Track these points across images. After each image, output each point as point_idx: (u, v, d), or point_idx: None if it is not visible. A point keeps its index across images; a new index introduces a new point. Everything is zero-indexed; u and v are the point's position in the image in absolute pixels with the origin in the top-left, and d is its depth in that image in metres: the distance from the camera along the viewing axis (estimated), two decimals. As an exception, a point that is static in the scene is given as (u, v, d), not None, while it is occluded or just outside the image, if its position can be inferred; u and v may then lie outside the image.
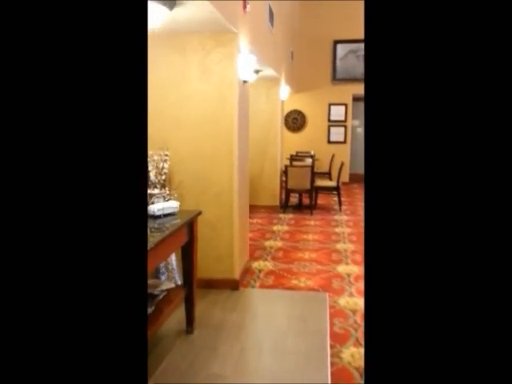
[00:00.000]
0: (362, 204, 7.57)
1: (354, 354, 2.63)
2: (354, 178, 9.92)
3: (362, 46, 9.50)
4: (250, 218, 6.15)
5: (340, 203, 7.07)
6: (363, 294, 3.26)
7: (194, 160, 3.61)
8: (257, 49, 4.40)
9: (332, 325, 3.02)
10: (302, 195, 7.18)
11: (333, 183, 7.15)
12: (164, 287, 2.80)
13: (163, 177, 3.06)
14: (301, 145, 9.73)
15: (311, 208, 6.77)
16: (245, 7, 3.73)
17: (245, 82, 3.81)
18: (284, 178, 6.85)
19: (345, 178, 9.38)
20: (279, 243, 5.10)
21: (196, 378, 2.41)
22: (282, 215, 6.62)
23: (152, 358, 2.60)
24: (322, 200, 7.64)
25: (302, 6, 9.51)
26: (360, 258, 4.55)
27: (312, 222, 6.16)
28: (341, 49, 9.70)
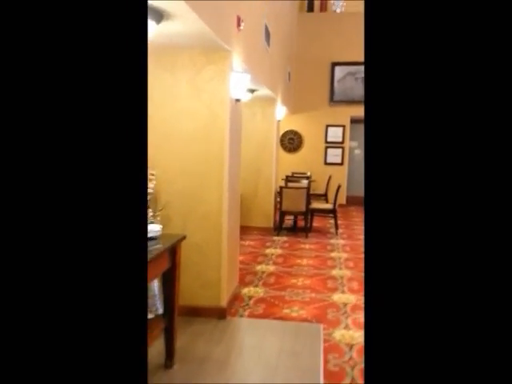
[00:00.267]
0: (360, 228, 7.38)
1: (349, 397, 2.40)
2: (351, 201, 9.75)
3: (360, 68, 9.48)
4: (241, 239, 5.96)
5: (336, 226, 6.88)
6: (363, 323, 3.07)
7: (182, 179, 3.44)
8: (251, 67, 4.28)
9: (326, 361, 2.79)
10: (297, 217, 6.99)
11: (329, 205, 6.98)
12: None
13: (148, 197, 2.87)
14: (297, 165, 9.60)
15: (306, 231, 6.57)
16: (239, 25, 3.62)
17: (237, 100, 3.68)
18: (278, 199, 6.67)
19: (342, 200, 9.21)
20: (271, 268, 4.88)
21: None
22: (275, 238, 6.41)
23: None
24: (317, 222, 7.44)
25: (300, 27, 9.52)
26: (357, 285, 4.33)
27: (307, 246, 5.96)
28: (339, 71, 9.67)
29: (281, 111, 7.25)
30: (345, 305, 3.79)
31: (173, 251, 2.60)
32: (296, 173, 9.01)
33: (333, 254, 5.54)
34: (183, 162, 3.43)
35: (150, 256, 2.22)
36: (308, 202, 6.50)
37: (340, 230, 6.98)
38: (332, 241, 6.32)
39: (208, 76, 3.36)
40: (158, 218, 2.92)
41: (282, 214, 6.64)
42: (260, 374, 2.70)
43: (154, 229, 2.58)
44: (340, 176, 9.37)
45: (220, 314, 3.46)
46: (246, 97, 4.92)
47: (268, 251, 5.62)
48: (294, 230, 6.88)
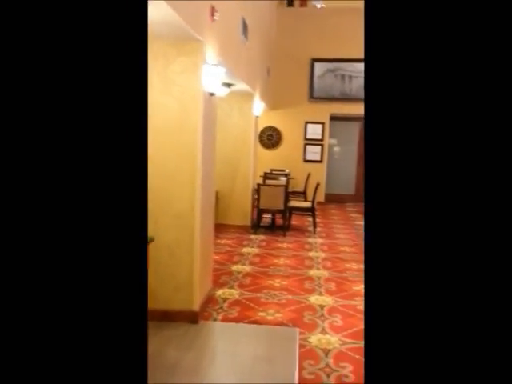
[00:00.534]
0: (339, 226, 7.32)
1: (324, 407, 2.29)
2: (329, 198, 9.70)
3: (340, 65, 9.42)
4: (218, 238, 5.81)
5: (315, 225, 6.79)
6: (340, 326, 2.95)
7: (151, 177, 3.25)
8: (227, 61, 4.12)
9: (301, 368, 2.67)
10: (275, 215, 6.87)
11: (307, 204, 6.88)
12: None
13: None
14: (276, 162, 9.47)
15: (284, 229, 6.46)
16: (212, 15, 3.45)
17: (212, 94, 3.51)
18: (256, 197, 6.54)
19: (320, 197, 9.15)
20: (248, 268, 4.74)
21: None
22: (253, 236, 6.28)
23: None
24: (296, 220, 7.34)
25: (280, 21, 9.37)
26: (334, 286, 4.23)
27: (284, 245, 5.84)
28: (319, 67, 9.57)
29: (259, 107, 7.11)
30: (322, 307, 3.68)
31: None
32: (275, 170, 8.89)
33: (310, 254, 5.44)
34: (152, 158, 3.24)
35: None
36: (286, 200, 6.39)
37: (318, 229, 6.89)
38: (310, 239, 6.23)
39: (179, 68, 3.18)
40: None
41: (260, 211, 6.51)
42: (232, 382, 2.56)
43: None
44: (319, 173, 9.30)
45: (192, 318, 3.31)
46: (221, 91, 4.76)
47: (245, 250, 5.49)
48: (271, 229, 6.76)
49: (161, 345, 2.94)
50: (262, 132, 9.56)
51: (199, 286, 3.37)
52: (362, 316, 3.51)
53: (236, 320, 3.39)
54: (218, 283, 4.15)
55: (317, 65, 9.54)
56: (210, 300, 3.70)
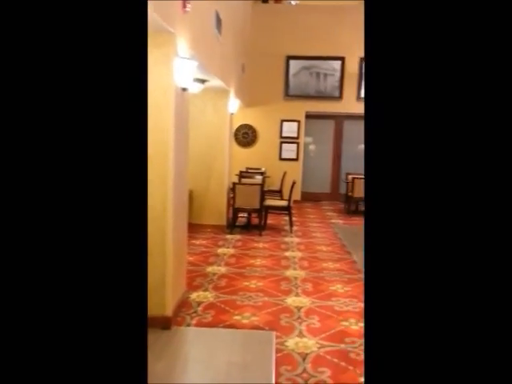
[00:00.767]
0: (315, 225, 7.27)
1: (302, 416, 2.19)
2: (305, 197, 9.66)
3: (315, 63, 9.38)
4: (193, 238, 5.66)
5: (291, 224, 6.72)
6: (317, 329, 2.85)
7: (120, 177, 3.09)
8: (200, 55, 3.97)
9: (278, 374, 2.57)
10: (250, 214, 6.75)
11: (284, 203, 6.80)
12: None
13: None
14: (251, 161, 9.36)
15: (260, 229, 6.36)
16: (184, 6, 3.30)
17: (184, 89, 3.36)
18: (232, 196, 6.41)
19: (297, 196, 9.10)
20: (223, 269, 4.62)
21: None
22: (228, 236, 6.15)
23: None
24: (272, 219, 7.25)
25: (255, 18, 9.25)
26: (311, 287, 4.16)
27: (261, 245, 5.74)
28: (294, 65, 9.50)
29: (234, 104, 6.97)
30: (299, 309, 3.59)
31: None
32: (250, 168, 8.77)
33: (287, 253, 5.36)
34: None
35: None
36: (262, 199, 6.28)
37: (295, 228, 6.83)
38: (286, 239, 6.15)
39: (149, 61, 3.01)
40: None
41: (236, 211, 6.39)
42: (206, 392, 2.44)
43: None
44: (295, 172, 9.25)
45: (164, 323, 3.16)
46: (195, 87, 4.61)
47: (220, 251, 5.35)
48: (247, 228, 6.65)
49: (131, 353, 2.79)
50: (238, 130, 9.43)
51: (172, 289, 3.23)
52: (339, 317, 3.44)
53: (210, 325, 3.26)
54: (192, 286, 4.01)
55: (292, 62, 9.47)
56: (183, 304, 3.56)
